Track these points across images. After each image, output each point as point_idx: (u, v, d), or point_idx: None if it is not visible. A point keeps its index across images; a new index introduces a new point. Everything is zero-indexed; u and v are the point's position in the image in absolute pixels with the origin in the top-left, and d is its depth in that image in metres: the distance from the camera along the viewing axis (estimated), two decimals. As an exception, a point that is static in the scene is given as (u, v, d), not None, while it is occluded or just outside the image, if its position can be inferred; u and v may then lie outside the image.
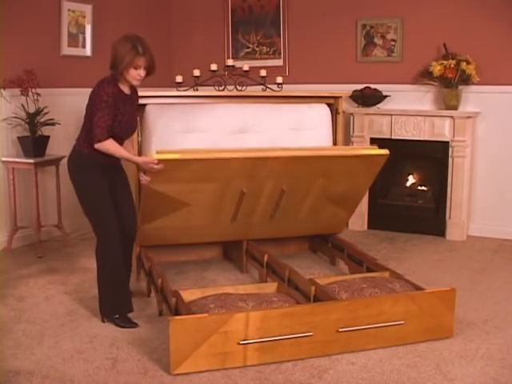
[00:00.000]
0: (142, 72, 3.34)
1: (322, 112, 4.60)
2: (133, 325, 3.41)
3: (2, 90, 4.74)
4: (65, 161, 4.99)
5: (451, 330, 3.29)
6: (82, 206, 3.47)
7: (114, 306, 3.45)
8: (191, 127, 4.28)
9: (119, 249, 3.44)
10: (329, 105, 4.67)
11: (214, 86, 4.44)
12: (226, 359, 2.93)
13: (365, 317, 3.11)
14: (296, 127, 4.50)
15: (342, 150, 4.09)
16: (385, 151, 3.94)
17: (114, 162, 3.47)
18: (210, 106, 4.42)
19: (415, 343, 3.20)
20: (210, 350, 2.89)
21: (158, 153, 3.40)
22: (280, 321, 2.98)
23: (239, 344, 2.93)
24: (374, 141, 5.60)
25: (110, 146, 3.32)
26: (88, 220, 3.49)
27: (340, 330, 3.06)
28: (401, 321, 3.16)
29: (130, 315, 3.47)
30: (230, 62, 4.68)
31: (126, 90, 3.44)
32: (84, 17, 5.49)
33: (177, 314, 3.14)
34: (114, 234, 3.41)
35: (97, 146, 3.30)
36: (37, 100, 4.79)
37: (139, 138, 4.19)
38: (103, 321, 3.48)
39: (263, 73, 4.63)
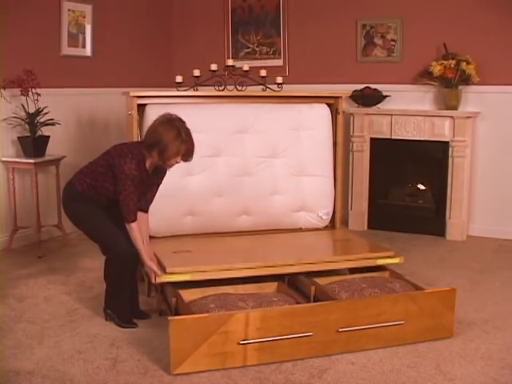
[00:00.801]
0: (179, 159, 3.29)
1: (322, 112, 4.60)
2: (133, 325, 3.42)
3: (2, 90, 4.74)
4: (65, 161, 5.04)
5: (451, 330, 3.29)
6: (86, 231, 3.46)
7: (118, 307, 3.45)
8: (191, 127, 4.27)
9: (129, 260, 3.37)
10: (329, 105, 4.67)
11: (214, 86, 4.43)
12: (226, 359, 2.93)
13: (365, 317, 3.11)
14: (296, 127, 4.51)
15: (355, 261, 3.80)
16: (399, 260, 3.81)
17: (106, 202, 3.42)
18: (210, 106, 4.43)
19: (415, 343, 3.20)
20: (210, 349, 2.89)
21: (167, 273, 3.38)
22: (280, 321, 2.98)
23: (239, 344, 2.93)
24: (373, 141, 5.62)
25: (134, 232, 3.29)
26: (96, 242, 3.48)
27: (340, 330, 3.06)
28: (401, 321, 3.16)
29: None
30: (229, 62, 4.68)
31: (150, 167, 3.36)
32: (84, 17, 5.49)
33: (177, 314, 3.14)
34: (123, 247, 3.33)
35: (125, 224, 3.29)
36: (37, 100, 4.79)
37: (139, 139, 4.18)
38: (106, 319, 3.49)
39: (263, 73, 4.62)
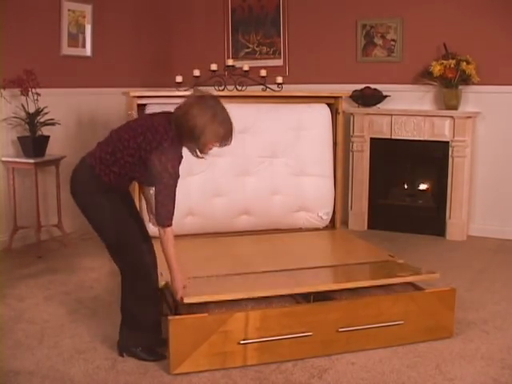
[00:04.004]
0: (217, 144, 2.87)
1: (321, 112, 4.60)
2: (160, 356, 3.01)
3: (2, 90, 4.74)
4: (65, 161, 5.03)
5: (451, 330, 3.29)
6: (105, 234, 2.94)
7: (142, 336, 3.04)
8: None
9: (155, 272, 3.03)
10: (329, 105, 4.68)
11: (214, 86, 4.44)
12: (226, 359, 2.94)
13: (364, 317, 3.11)
14: (296, 127, 4.50)
15: (383, 279, 3.40)
16: (435, 276, 3.50)
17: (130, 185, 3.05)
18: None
19: (415, 343, 3.20)
20: (210, 349, 2.90)
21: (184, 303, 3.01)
22: (279, 320, 2.98)
23: (239, 344, 2.93)
24: (373, 141, 5.62)
25: (170, 241, 2.84)
26: (113, 252, 2.99)
27: (340, 329, 3.06)
28: (400, 321, 3.16)
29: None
30: (230, 62, 4.68)
31: None
32: (84, 17, 5.49)
33: (177, 313, 3.14)
34: (150, 265, 3.00)
35: (159, 228, 2.83)
36: (37, 100, 4.79)
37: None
38: (121, 355, 3.05)
39: (263, 73, 4.63)
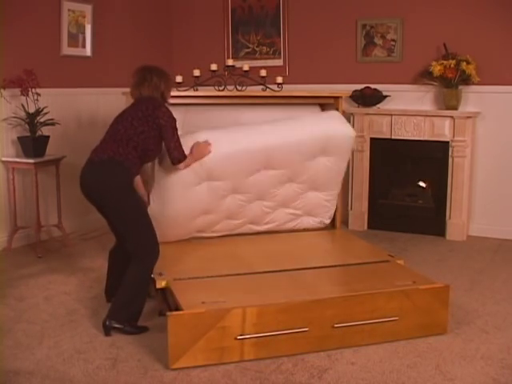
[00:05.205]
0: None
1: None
2: (145, 329, 3.36)
3: (2, 90, 4.74)
4: (65, 161, 5.03)
5: (445, 327, 3.31)
6: (134, 225, 3.29)
7: (133, 313, 3.34)
8: (191, 128, 4.28)
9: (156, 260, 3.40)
10: (329, 105, 4.67)
11: (214, 86, 4.44)
12: (224, 354, 2.97)
13: (360, 313, 3.14)
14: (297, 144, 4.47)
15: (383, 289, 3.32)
16: (437, 285, 3.40)
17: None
18: (210, 107, 4.45)
19: (415, 343, 3.20)
20: (208, 344, 2.93)
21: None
22: (276, 316, 3.01)
23: (236, 339, 2.96)
24: (373, 141, 5.62)
25: (189, 160, 3.63)
26: (134, 240, 3.29)
27: (335, 325, 3.09)
28: (395, 317, 3.18)
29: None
30: (230, 62, 4.67)
31: None
32: (84, 17, 5.49)
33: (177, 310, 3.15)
34: (158, 246, 3.35)
35: (180, 165, 3.57)
36: (37, 100, 4.79)
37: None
38: (108, 334, 3.30)
39: (263, 73, 4.62)
